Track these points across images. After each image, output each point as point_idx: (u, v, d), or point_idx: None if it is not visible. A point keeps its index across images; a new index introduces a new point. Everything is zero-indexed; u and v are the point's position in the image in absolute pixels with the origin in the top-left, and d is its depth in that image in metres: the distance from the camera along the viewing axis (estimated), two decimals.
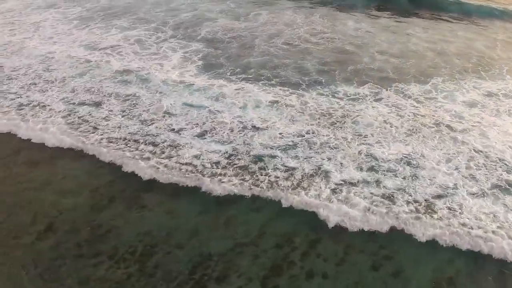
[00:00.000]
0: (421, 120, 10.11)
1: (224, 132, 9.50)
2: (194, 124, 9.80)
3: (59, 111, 10.34)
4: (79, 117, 10.12)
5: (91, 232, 6.96)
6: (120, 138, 9.28)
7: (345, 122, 9.99)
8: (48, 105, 10.65)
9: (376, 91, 11.61)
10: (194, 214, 7.35)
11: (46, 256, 6.53)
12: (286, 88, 11.62)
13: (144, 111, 10.38)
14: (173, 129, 9.61)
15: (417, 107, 10.77)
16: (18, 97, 11.06)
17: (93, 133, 9.49)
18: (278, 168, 8.31)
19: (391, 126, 9.84)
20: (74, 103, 10.75)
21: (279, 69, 12.98)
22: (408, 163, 8.60)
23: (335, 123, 9.92)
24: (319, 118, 10.13)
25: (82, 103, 10.76)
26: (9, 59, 13.40)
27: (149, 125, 9.79)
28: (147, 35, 15.77)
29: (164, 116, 10.14)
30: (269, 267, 6.35)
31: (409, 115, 10.32)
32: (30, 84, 11.77)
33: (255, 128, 9.69)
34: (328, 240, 6.83)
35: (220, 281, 6.13)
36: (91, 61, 13.26)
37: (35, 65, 12.94)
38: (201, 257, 6.50)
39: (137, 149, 8.94)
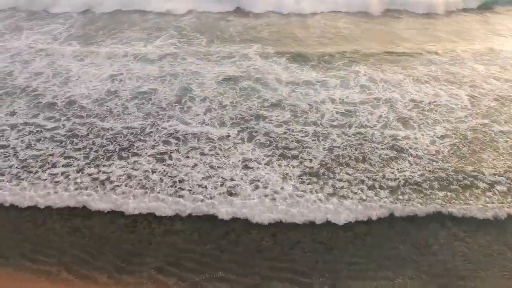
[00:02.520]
0: None
1: (424, 117, 9.07)
2: (384, 118, 9.02)
3: (262, 145, 8.13)
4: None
5: None
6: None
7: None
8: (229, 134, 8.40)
9: (463, 49, 12.54)
10: None
11: None
12: (395, 67, 11.54)
13: (325, 120, 9.00)
14: (376, 125, 8.74)
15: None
16: (168, 137, 8.41)
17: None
18: None
19: None
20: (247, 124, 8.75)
21: (356, 53, 12.67)
22: None
23: None
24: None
25: (249, 119, 8.84)
26: (71, 88, 10.00)
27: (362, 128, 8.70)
28: (181, 42, 13.46)
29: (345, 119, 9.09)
30: None
31: None
32: (148, 114, 9.04)
33: (433, 104, 9.53)
34: None
35: None
36: (179, 73, 10.84)
37: (121, 92, 9.91)
38: None
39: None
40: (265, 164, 7.48)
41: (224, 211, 6.47)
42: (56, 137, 8.25)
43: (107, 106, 9.35)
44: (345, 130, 8.57)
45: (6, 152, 7.83)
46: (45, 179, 7.11)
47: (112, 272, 5.61)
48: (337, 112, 9.22)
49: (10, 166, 7.43)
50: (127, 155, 7.71)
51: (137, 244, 6.05)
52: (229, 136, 8.29)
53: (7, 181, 7.07)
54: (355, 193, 6.82)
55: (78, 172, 7.28)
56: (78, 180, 7.07)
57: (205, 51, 12.63)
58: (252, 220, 6.35)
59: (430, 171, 7.38)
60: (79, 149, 7.87)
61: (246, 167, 7.42)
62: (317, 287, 5.38)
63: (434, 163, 7.57)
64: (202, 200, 6.67)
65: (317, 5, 17.44)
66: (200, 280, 5.46)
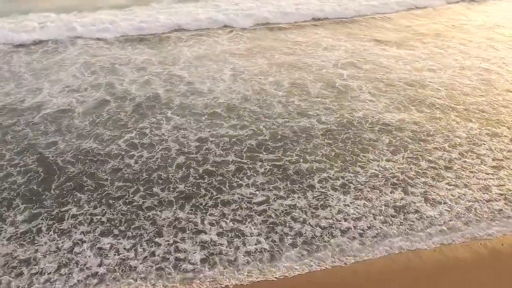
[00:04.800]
0: None
1: None
2: None
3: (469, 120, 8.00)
4: None
5: None
6: None
7: None
8: None
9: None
10: None
11: None
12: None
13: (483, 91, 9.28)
14: None
15: None
16: None
17: None
18: None
19: None
20: None
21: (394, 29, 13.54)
22: None
23: None
24: None
25: (421, 98, 8.76)
26: (230, 94, 8.65)
27: None
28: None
29: None
30: None
31: None
32: (329, 109, 8.26)
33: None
34: None
35: None
36: (295, 66, 10.11)
37: (269, 91, 8.85)
38: None
39: None
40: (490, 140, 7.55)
41: None
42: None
43: (291, 106, 8.45)
44: (506, 97, 9.00)
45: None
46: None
47: None
48: (482, 83, 9.62)
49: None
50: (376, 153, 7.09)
51: None
52: (438, 118, 8.10)
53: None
54: None
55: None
56: None
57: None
58: None
59: None
60: (329, 155, 6.97)
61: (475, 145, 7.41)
62: None
63: None
64: None
65: None
66: None
